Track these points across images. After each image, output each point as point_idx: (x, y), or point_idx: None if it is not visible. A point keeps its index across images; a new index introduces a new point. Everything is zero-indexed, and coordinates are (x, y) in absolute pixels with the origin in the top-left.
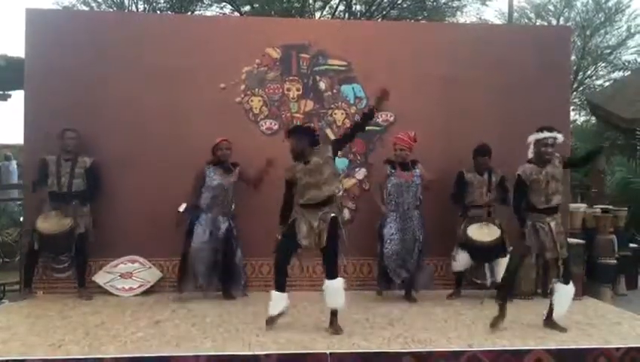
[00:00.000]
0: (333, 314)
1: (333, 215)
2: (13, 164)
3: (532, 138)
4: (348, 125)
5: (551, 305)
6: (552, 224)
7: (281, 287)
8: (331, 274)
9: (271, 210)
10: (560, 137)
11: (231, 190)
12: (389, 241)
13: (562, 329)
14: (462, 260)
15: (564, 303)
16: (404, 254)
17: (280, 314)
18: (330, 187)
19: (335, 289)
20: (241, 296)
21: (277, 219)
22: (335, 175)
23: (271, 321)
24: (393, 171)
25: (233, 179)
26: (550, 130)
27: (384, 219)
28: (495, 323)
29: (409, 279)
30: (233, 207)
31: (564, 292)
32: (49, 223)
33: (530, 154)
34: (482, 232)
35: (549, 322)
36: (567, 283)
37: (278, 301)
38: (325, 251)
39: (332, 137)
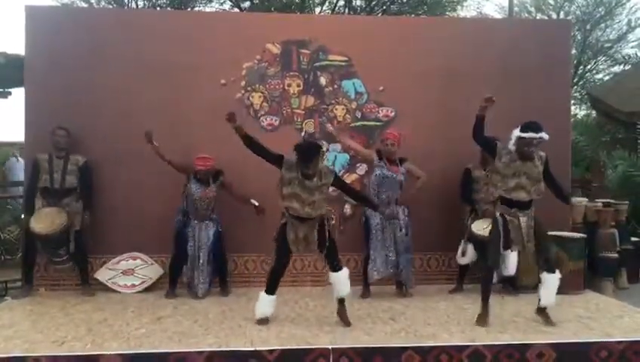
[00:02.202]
0: (341, 302)
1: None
2: (21, 161)
3: (515, 133)
4: (357, 188)
5: (539, 295)
6: (523, 219)
7: (271, 291)
8: (335, 267)
9: (275, 206)
10: (545, 136)
11: (212, 200)
12: (374, 232)
13: (551, 323)
14: (470, 253)
15: (551, 292)
16: (389, 247)
17: (269, 316)
18: (317, 211)
19: (341, 280)
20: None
21: (280, 215)
22: (325, 201)
23: (262, 322)
24: (380, 162)
25: (212, 194)
26: (535, 129)
27: (367, 212)
28: (481, 322)
29: (400, 274)
30: (216, 213)
31: (549, 282)
32: (43, 223)
33: (512, 147)
34: (483, 226)
35: (540, 313)
36: (552, 271)
37: (266, 303)
38: (322, 249)
39: (333, 132)
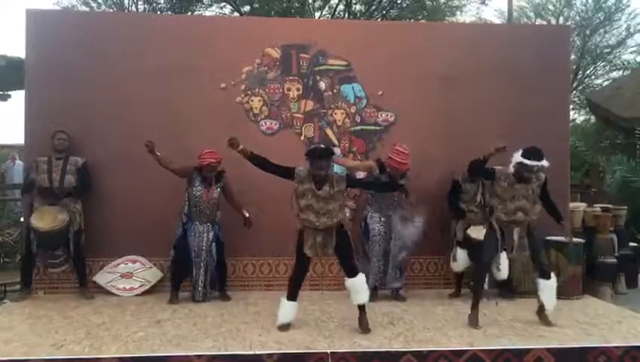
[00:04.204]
0: (361, 309)
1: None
2: (19, 163)
3: (517, 158)
4: (370, 178)
5: (539, 300)
6: (516, 229)
7: (293, 297)
8: (351, 273)
9: (274, 210)
10: (546, 164)
11: (216, 202)
12: (372, 242)
13: (549, 324)
14: (461, 259)
15: (550, 296)
16: (386, 255)
17: (290, 321)
18: (334, 219)
19: (358, 286)
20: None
21: (278, 219)
22: (341, 206)
23: (283, 328)
24: (381, 176)
25: (215, 195)
26: (538, 157)
27: (367, 218)
28: (473, 323)
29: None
30: (219, 215)
31: (545, 287)
32: (44, 220)
33: (511, 169)
34: (480, 232)
35: (540, 315)
36: (547, 278)
37: (288, 309)
38: (338, 253)
39: (333, 138)
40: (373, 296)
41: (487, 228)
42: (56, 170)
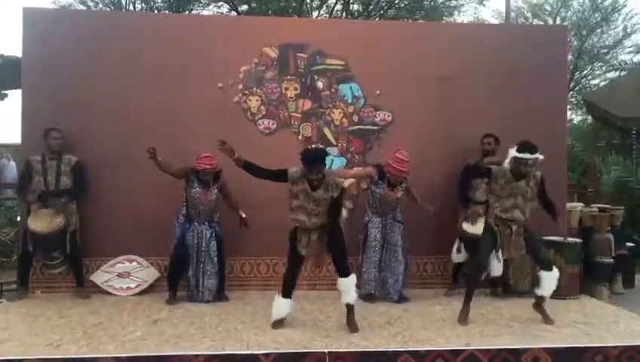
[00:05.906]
0: (349, 309)
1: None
2: (12, 163)
3: (512, 153)
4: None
5: (537, 291)
6: (514, 227)
7: (287, 294)
8: (343, 272)
9: (272, 209)
10: (541, 157)
11: (214, 202)
12: (368, 248)
13: (549, 320)
14: (462, 252)
15: (549, 286)
16: (384, 262)
17: (284, 318)
18: (323, 220)
19: (349, 285)
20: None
21: (276, 218)
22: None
23: (277, 325)
24: (380, 183)
25: (213, 196)
26: (532, 150)
27: (368, 223)
28: (462, 321)
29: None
30: (217, 215)
31: (547, 278)
32: (42, 222)
33: (507, 165)
34: (476, 226)
35: (538, 308)
36: (549, 269)
37: (282, 306)
38: (332, 252)
39: (330, 138)
40: (371, 299)
41: (484, 226)
42: (51, 172)
